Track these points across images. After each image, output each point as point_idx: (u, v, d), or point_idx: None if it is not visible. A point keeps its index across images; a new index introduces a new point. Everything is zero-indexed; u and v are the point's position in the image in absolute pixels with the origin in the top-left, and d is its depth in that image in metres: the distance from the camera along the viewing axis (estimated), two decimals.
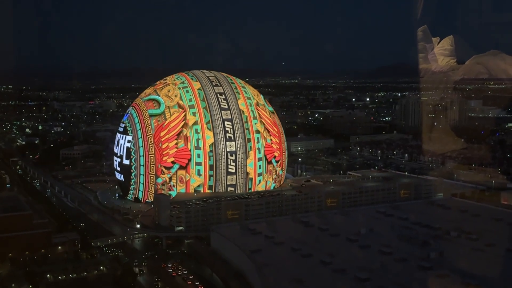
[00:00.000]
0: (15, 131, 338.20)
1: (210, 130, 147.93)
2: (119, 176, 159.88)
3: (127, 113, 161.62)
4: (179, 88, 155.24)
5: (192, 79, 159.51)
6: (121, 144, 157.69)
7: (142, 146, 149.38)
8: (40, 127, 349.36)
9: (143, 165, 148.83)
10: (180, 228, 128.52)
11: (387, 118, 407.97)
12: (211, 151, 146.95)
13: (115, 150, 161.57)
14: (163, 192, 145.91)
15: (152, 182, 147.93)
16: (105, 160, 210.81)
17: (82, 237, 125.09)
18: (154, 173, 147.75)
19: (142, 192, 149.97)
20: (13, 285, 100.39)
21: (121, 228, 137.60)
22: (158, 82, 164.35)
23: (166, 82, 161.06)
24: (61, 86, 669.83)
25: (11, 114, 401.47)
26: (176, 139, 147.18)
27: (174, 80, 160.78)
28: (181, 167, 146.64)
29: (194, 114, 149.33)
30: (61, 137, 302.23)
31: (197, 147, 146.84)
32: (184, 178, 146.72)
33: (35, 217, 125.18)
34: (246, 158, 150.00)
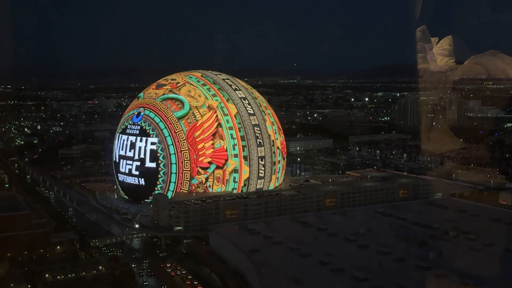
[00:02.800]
0: (13, 130, 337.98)
1: (243, 138, 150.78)
2: (135, 180, 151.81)
3: (139, 115, 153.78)
4: (198, 87, 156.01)
5: (202, 76, 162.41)
6: (139, 147, 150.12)
7: (172, 144, 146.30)
8: (38, 127, 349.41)
9: (175, 163, 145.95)
10: (179, 228, 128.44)
11: (386, 118, 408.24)
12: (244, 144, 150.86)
13: (128, 154, 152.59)
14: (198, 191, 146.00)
15: (186, 180, 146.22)
16: (103, 160, 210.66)
17: (80, 236, 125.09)
18: (188, 174, 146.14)
19: (173, 192, 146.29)
20: (11, 284, 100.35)
21: (119, 228, 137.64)
22: (166, 82, 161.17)
23: (178, 82, 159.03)
24: (60, 86, 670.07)
25: (10, 114, 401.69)
26: (212, 139, 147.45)
27: (187, 79, 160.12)
28: (217, 167, 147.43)
29: (222, 109, 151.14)
30: (59, 137, 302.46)
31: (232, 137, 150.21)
32: (221, 177, 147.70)
33: (33, 216, 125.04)
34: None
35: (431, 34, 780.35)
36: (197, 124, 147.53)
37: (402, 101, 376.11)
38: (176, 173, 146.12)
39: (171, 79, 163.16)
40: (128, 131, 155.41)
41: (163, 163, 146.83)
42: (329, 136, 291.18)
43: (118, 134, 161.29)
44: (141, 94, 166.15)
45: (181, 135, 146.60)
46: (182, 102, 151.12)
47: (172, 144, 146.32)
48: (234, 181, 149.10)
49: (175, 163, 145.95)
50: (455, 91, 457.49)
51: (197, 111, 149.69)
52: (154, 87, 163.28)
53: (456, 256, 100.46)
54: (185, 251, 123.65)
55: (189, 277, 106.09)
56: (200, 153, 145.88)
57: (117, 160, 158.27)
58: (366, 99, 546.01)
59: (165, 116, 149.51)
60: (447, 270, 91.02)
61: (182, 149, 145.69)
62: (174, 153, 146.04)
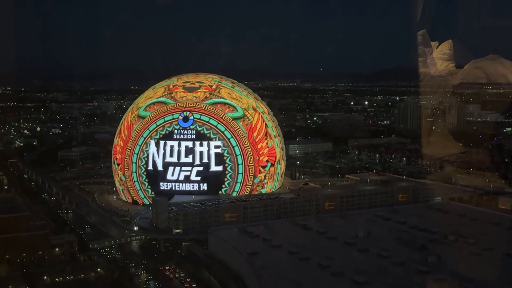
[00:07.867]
0: (13, 132, 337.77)
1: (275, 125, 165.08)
2: (194, 186, 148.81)
3: (188, 119, 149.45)
4: (235, 90, 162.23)
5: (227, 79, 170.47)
6: (200, 152, 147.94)
7: (237, 146, 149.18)
8: (38, 129, 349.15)
9: (241, 164, 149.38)
10: (178, 230, 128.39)
11: (385, 122, 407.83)
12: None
13: (183, 160, 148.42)
14: (257, 191, 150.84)
15: (250, 180, 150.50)
16: (103, 162, 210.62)
17: (79, 239, 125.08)
18: (252, 173, 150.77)
19: (237, 193, 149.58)
20: (10, 286, 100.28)
21: (118, 230, 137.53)
22: (196, 85, 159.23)
23: (211, 85, 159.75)
24: (60, 88, 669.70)
25: (10, 116, 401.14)
26: (266, 139, 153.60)
27: (217, 82, 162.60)
28: (271, 165, 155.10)
29: (262, 109, 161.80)
30: (59, 139, 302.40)
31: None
32: (272, 174, 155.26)
33: (32, 218, 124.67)
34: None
35: (431, 38, 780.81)
36: (252, 126, 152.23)
37: (402, 105, 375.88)
38: (242, 174, 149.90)
39: (198, 82, 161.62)
40: (176, 136, 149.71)
41: (230, 165, 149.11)
42: (328, 139, 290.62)
43: (154, 141, 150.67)
44: (166, 99, 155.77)
45: (243, 136, 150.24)
46: (232, 105, 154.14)
47: (237, 145, 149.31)
48: (280, 176, 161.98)
49: (242, 164, 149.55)
50: (455, 95, 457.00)
51: (246, 112, 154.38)
52: (182, 90, 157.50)
53: (455, 260, 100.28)
54: (184, 254, 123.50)
55: (188, 280, 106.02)
56: (260, 152, 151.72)
57: (160, 168, 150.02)
58: (366, 102, 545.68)
59: (222, 119, 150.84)
60: (446, 274, 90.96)
61: (246, 149, 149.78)
62: (240, 154, 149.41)
